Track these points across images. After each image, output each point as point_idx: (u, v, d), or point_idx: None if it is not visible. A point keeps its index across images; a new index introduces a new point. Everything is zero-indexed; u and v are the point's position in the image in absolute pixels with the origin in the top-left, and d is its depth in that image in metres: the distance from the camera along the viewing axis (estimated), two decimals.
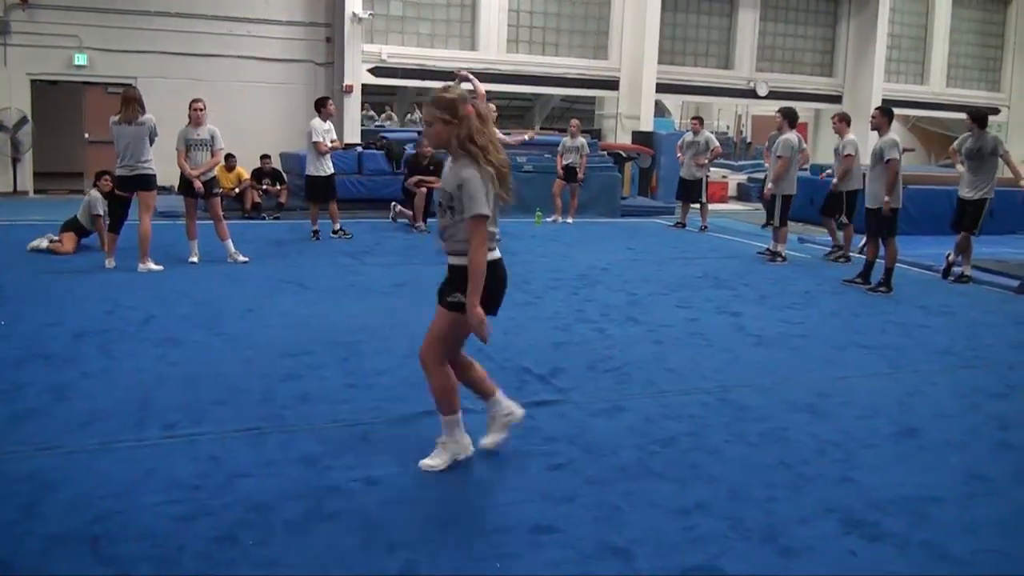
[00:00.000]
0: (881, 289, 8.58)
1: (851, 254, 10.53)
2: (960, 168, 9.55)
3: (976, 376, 5.86)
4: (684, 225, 12.92)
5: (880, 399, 5.20)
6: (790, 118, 10.43)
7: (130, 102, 8.23)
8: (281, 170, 13.87)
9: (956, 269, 9.47)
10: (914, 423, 4.82)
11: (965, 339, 6.92)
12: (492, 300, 3.67)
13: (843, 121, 10.85)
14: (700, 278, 8.87)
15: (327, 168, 10.55)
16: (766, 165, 13.39)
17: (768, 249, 10.57)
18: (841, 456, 4.25)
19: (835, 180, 10.68)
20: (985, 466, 4.25)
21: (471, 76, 9.82)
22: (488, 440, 3.98)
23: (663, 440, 4.31)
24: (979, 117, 9.37)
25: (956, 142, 9.74)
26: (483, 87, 9.77)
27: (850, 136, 10.62)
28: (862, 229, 9.20)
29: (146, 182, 8.31)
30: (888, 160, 8.49)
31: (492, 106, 10.71)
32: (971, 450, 4.47)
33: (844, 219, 10.67)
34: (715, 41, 20.19)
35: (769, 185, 10.58)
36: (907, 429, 4.72)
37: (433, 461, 3.82)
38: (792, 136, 10.29)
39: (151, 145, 8.30)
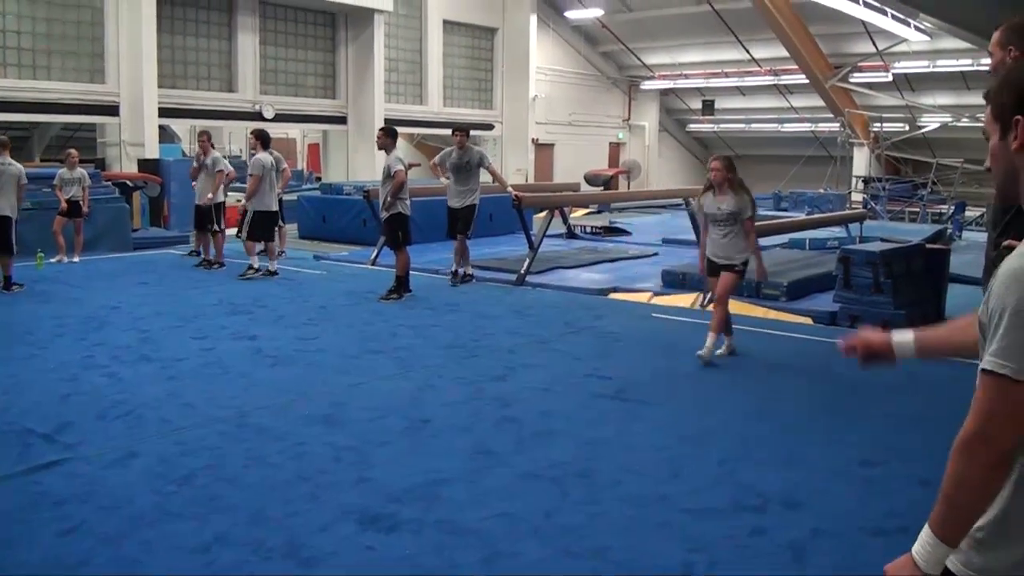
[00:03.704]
0: (392, 296, 9.17)
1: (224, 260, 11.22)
2: (445, 180, 10.56)
3: (480, 363, 6.53)
4: (199, 254, 12.54)
5: (392, 399, 5.58)
6: (263, 139, 10.96)
7: None
8: None
9: (459, 270, 10.43)
10: (424, 415, 5.25)
11: (470, 332, 7.67)
12: None
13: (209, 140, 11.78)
14: (216, 306, 8.70)
15: None
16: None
17: (250, 266, 10.68)
18: (356, 459, 4.50)
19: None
20: (489, 441, 4.79)
21: None
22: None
23: (180, 479, 4.20)
24: (465, 132, 10.44)
25: (438, 157, 10.75)
26: None
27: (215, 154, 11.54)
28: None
29: None
30: (395, 172, 9.12)
31: None
32: (476, 430, 4.99)
33: (216, 227, 11.42)
34: (216, 64, 19.87)
35: (243, 201, 10.86)
36: (418, 422, 5.13)
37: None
38: (265, 156, 10.72)
39: None
